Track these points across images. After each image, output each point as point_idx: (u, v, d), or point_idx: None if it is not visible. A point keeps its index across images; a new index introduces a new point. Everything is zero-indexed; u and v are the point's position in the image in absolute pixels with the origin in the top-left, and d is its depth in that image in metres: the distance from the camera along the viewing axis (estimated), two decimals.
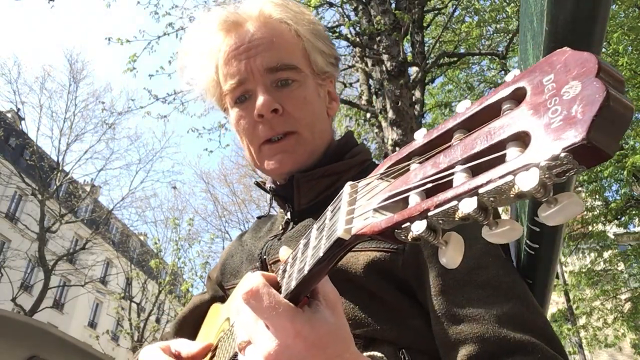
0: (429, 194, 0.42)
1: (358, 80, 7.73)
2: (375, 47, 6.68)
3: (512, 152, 0.37)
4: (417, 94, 7.00)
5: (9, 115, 27.68)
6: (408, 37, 7.20)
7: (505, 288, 0.83)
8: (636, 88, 9.85)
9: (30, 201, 24.76)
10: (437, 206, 0.40)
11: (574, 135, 0.32)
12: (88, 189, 24.84)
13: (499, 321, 0.78)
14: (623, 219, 11.40)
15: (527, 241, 0.94)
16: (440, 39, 9.19)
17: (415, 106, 6.76)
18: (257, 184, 1.21)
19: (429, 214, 0.40)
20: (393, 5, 6.98)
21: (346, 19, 7.54)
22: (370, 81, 7.25)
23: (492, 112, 0.41)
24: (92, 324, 29.79)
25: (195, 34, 1.15)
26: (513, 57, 9.41)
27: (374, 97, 7.10)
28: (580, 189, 11.15)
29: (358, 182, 0.54)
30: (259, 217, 1.37)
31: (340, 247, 0.51)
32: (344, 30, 7.32)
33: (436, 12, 9.17)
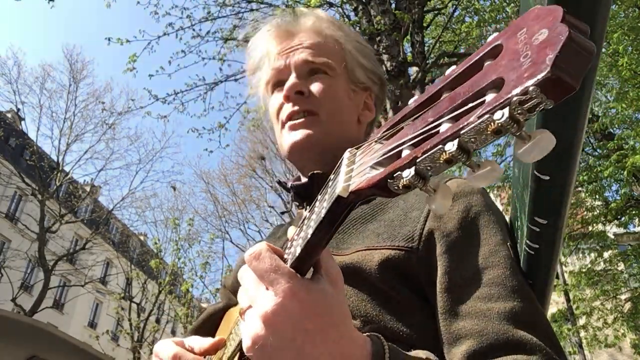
0: (418, 145, 0.46)
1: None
2: (375, 47, 6.68)
3: (489, 96, 0.41)
4: (417, 94, 6.99)
5: (9, 115, 27.68)
6: (408, 37, 7.20)
7: (510, 287, 0.84)
8: (636, 88, 9.85)
9: (30, 201, 24.77)
10: (424, 152, 0.44)
11: (541, 71, 0.36)
12: (88, 189, 24.86)
13: (501, 318, 0.79)
14: (623, 219, 11.39)
15: (527, 241, 0.94)
16: (440, 39, 9.19)
17: None
18: (279, 183, 1.26)
19: (417, 160, 0.44)
20: (393, 5, 6.99)
21: (346, 19, 7.54)
22: None
23: (474, 70, 0.45)
24: (92, 324, 29.79)
25: (257, 43, 1.26)
26: None
27: None
28: (580, 188, 11.15)
29: (357, 148, 0.58)
30: (278, 226, 1.41)
31: (340, 205, 0.53)
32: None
33: (436, 12, 9.17)
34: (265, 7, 7.97)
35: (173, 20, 8.05)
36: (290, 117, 1.12)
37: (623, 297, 13.70)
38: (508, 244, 0.92)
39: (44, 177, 20.77)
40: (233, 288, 1.28)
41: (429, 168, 0.44)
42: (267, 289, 0.59)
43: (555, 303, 14.43)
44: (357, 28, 6.95)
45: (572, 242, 11.97)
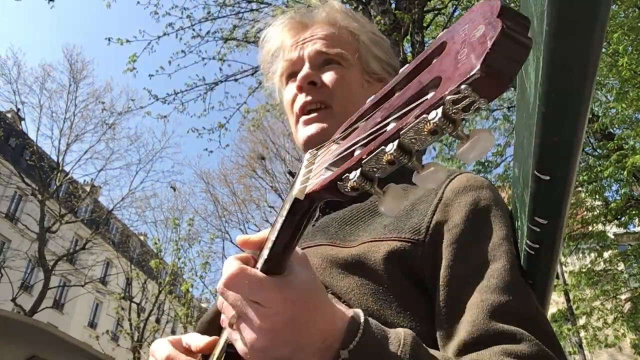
0: (366, 146, 0.45)
1: None
2: None
3: (429, 95, 0.40)
4: None
5: (9, 115, 27.68)
6: (408, 37, 7.20)
7: (508, 281, 0.84)
8: (636, 88, 9.84)
9: (30, 201, 24.77)
10: (368, 154, 0.43)
11: (471, 68, 0.36)
12: (88, 189, 24.86)
13: (494, 311, 0.79)
14: (623, 219, 11.39)
15: (527, 241, 0.94)
16: None
17: None
18: (291, 173, 1.30)
19: (363, 162, 0.44)
20: (393, 5, 6.99)
21: None
22: None
23: (424, 68, 0.45)
24: (92, 324, 29.79)
25: (270, 35, 1.27)
26: None
27: None
28: (580, 189, 11.15)
29: (317, 150, 0.58)
30: None
31: (298, 208, 0.54)
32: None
33: (436, 12, 9.17)
34: (266, 7, 7.97)
35: (173, 20, 8.07)
36: (304, 108, 1.13)
37: (623, 297, 13.70)
38: (511, 240, 0.92)
39: (44, 177, 20.77)
40: None
41: (375, 170, 0.44)
42: (254, 302, 0.60)
43: (555, 303, 14.43)
44: None
45: (572, 242, 11.97)
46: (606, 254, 12.83)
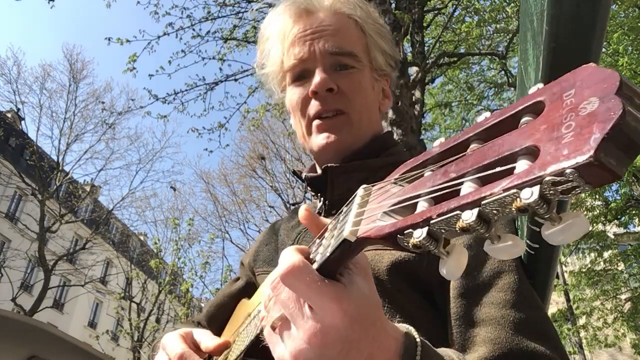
0: (437, 201, 0.41)
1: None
2: None
3: (521, 165, 0.36)
4: (417, 94, 7.00)
5: (9, 115, 27.67)
6: (408, 37, 7.20)
7: (523, 296, 0.83)
8: None
9: (30, 201, 24.76)
10: (439, 214, 0.39)
11: (582, 153, 0.31)
12: (88, 189, 24.85)
13: (516, 327, 0.79)
14: (623, 219, 11.41)
15: (527, 241, 0.94)
16: (440, 39, 9.19)
17: (415, 106, 6.76)
18: (294, 173, 1.24)
19: (431, 221, 0.40)
20: (393, 5, 6.98)
21: None
22: None
23: (510, 125, 0.40)
24: (92, 324, 29.79)
25: (270, 20, 1.20)
26: (513, 57, 9.41)
27: None
28: None
29: (372, 186, 0.54)
30: (293, 207, 1.38)
31: (346, 248, 0.50)
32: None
33: (436, 12, 9.17)
34: (265, 7, 7.96)
35: (173, 20, 8.08)
36: (319, 115, 1.09)
37: (623, 297, 13.70)
38: None
39: (44, 177, 20.77)
40: (250, 267, 1.27)
41: (442, 231, 0.40)
42: (309, 307, 0.54)
43: (555, 303, 14.42)
44: None
45: (572, 242, 11.98)
46: (606, 254, 12.84)
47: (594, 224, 11.78)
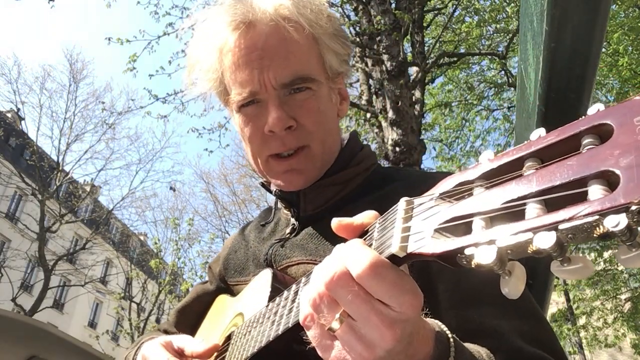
0: (496, 221, 0.40)
1: (358, 80, 7.74)
2: (375, 47, 6.68)
3: (595, 190, 0.35)
4: (417, 94, 7.00)
5: (9, 115, 27.68)
6: (408, 37, 7.20)
7: (519, 305, 0.82)
8: (636, 88, 9.84)
9: (30, 201, 24.77)
10: (511, 235, 0.38)
11: None
12: (88, 189, 24.83)
13: (513, 335, 0.78)
14: None
15: None
16: (440, 39, 9.19)
17: (415, 106, 6.76)
18: (263, 185, 1.19)
19: (497, 243, 0.39)
20: (393, 5, 6.98)
21: (346, 19, 7.54)
22: (370, 81, 7.25)
23: (570, 145, 0.39)
24: (92, 324, 29.79)
25: (204, 27, 1.06)
26: (513, 57, 9.41)
27: (374, 97, 7.10)
28: None
29: (414, 199, 0.52)
30: (262, 225, 1.29)
31: (395, 261, 0.50)
32: (344, 30, 7.32)
33: (436, 12, 9.17)
34: None
35: (173, 20, 8.06)
36: (279, 152, 1.01)
37: (623, 297, 13.70)
38: None
39: (44, 177, 20.77)
40: (221, 275, 1.25)
41: (509, 252, 0.39)
42: (383, 304, 0.51)
43: (555, 303, 14.41)
44: (357, 28, 6.96)
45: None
46: (606, 254, 12.83)
47: None
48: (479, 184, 0.44)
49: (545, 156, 0.40)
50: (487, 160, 0.45)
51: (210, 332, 1.15)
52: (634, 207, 0.32)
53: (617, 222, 0.33)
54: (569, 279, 0.37)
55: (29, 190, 21.38)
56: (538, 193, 0.38)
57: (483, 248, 0.40)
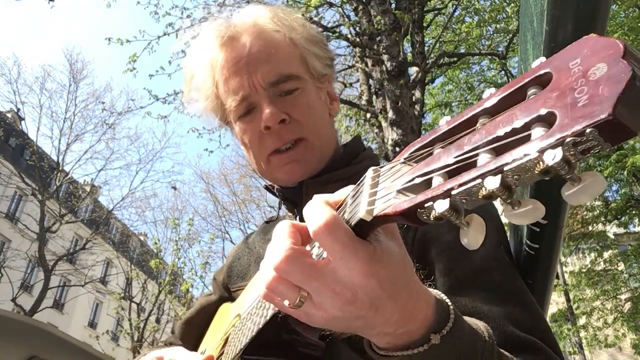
0: (452, 174, 0.43)
1: (358, 80, 7.74)
2: (375, 47, 6.68)
3: (537, 131, 0.37)
4: (417, 94, 7.00)
5: (9, 115, 27.69)
6: (408, 37, 7.20)
7: (509, 292, 0.84)
8: None
9: (30, 201, 24.77)
10: (460, 185, 0.41)
11: (600, 112, 0.33)
12: (88, 189, 24.85)
13: (504, 320, 0.79)
14: (623, 219, 11.40)
15: (527, 241, 0.94)
16: (440, 39, 9.19)
17: (415, 106, 6.76)
18: (267, 188, 1.21)
19: (453, 192, 0.41)
20: (393, 5, 6.99)
21: (346, 19, 7.54)
22: (370, 81, 7.26)
23: (517, 98, 0.42)
24: (92, 324, 29.80)
25: (194, 52, 1.16)
26: (513, 57, 9.40)
27: (374, 97, 7.10)
28: None
29: (380, 167, 0.54)
30: (266, 222, 1.36)
31: (364, 227, 0.51)
32: (344, 30, 7.33)
33: (436, 12, 9.17)
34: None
35: (173, 20, 8.07)
36: (278, 148, 1.05)
37: (623, 297, 13.70)
38: (503, 246, 0.92)
39: (44, 177, 20.78)
40: (225, 283, 1.27)
41: (464, 201, 0.41)
42: (338, 268, 0.52)
43: (555, 303, 14.42)
44: (357, 28, 6.96)
45: (572, 242, 11.98)
46: (606, 254, 12.84)
47: (594, 224, 11.78)
48: (438, 145, 0.47)
49: (495, 111, 0.43)
50: (445, 124, 0.48)
51: (212, 340, 1.15)
52: (568, 139, 0.35)
53: (553, 156, 0.35)
54: (522, 222, 0.38)
55: (29, 190, 21.40)
56: (487, 143, 0.41)
57: (439, 200, 0.42)
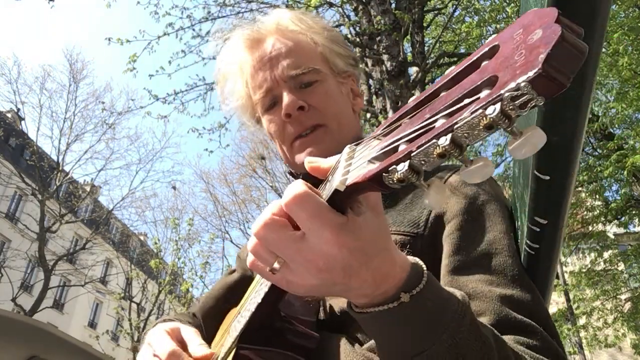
0: (413, 140, 0.46)
1: (358, 80, 7.73)
2: (375, 47, 6.68)
3: (483, 93, 0.41)
4: (417, 94, 6.99)
5: (9, 115, 27.68)
6: (408, 37, 7.20)
7: (511, 275, 0.85)
8: (636, 88, 9.84)
9: (30, 201, 24.76)
10: (418, 147, 0.44)
11: (533, 67, 0.37)
12: (88, 189, 24.84)
13: (502, 301, 0.80)
14: (623, 219, 11.39)
15: (527, 241, 0.94)
16: (440, 39, 9.19)
17: None
18: (291, 174, 1.25)
19: (412, 154, 0.45)
20: (393, 5, 6.98)
21: (346, 19, 7.54)
22: (370, 81, 7.25)
23: (472, 70, 0.46)
24: (92, 324, 29.79)
25: (224, 58, 1.25)
26: None
27: (374, 97, 7.10)
28: (580, 188, 11.14)
29: (357, 144, 0.59)
30: None
31: (339, 198, 0.54)
32: (344, 30, 7.32)
33: (436, 12, 9.16)
34: (265, 7, 7.97)
35: (173, 20, 8.06)
36: (298, 134, 1.12)
37: (623, 297, 13.70)
38: (511, 234, 0.94)
39: (44, 177, 20.77)
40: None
41: (423, 162, 0.45)
42: (309, 237, 0.56)
43: (555, 303, 14.43)
44: (357, 28, 6.96)
45: (572, 242, 11.97)
46: (606, 254, 12.83)
47: (594, 224, 11.77)
48: (405, 118, 0.51)
49: (453, 83, 0.48)
50: (413, 100, 0.53)
51: (217, 343, 1.15)
52: (507, 94, 0.38)
53: (493, 110, 0.39)
54: (474, 180, 0.44)
55: (29, 190, 21.39)
56: (444, 109, 0.45)
57: (401, 163, 0.46)
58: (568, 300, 13.47)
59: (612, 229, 13.32)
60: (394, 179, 0.47)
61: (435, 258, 0.90)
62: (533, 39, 0.40)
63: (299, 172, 1.17)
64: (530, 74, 0.37)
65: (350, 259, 0.56)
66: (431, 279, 0.63)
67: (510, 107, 0.39)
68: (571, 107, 0.69)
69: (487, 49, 0.45)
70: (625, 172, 9.11)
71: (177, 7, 7.99)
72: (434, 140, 0.43)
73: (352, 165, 0.55)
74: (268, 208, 0.60)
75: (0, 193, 25.56)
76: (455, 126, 0.42)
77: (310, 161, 0.64)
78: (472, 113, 0.41)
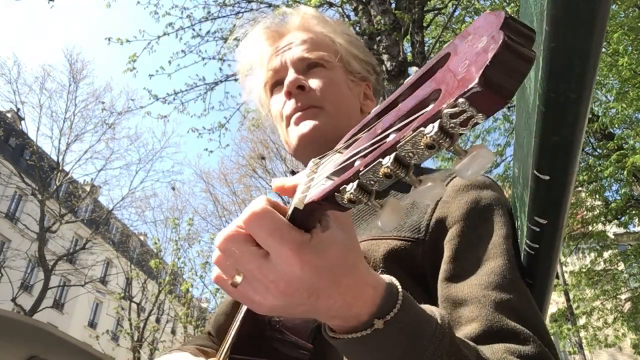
0: (365, 156, 0.44)
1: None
2: (375, 47, 6.68)
3: (428, 108, 0.39)
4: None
5: (9, 115, 27.67)
6: (408, 37, 7.20)
7: (508, 279, 0.85)
8: (636, 88, 9.83)
9: (30, 201, 24.76)
10: (365, 165, 0.42)
11: (470, 82, 0.34)
12: (88, 189, 24.83)
13: (497, 307, 0.79)
14: (623, 219, 11.38)
15: (527, 241, 0.94)
16: (440, 39, 9.19)
17: None
18: (293, 173, 1.24)
19: (360, 174, 0.42)
20: (393, 5, 6.98)
21: (346, 19, 7.54)
22: None
23: (427, 78, 0.43)
24: (92, 324, 29.78)
25: (246, 50, 1.26)
26: None
27: None
28: (580, 188, 11.13)
29: (320, 158, 0.56)
30: None
31: (300, 215, 0.52)
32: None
33: (436, 12, 9.16)
34: (266, 7, 7.97)
35: (173, 20, 8.06)
36: (295, 112, 1.12)
37: (623, 297, 13.69)
38: (511, 240, 0.93)
39: (44, 177, 20.77)
40: None
41: (372, 182, 0.42)
42: (272, 257, 0.53)
43: (555, 303, 14.41)
44: (357, 28, 6.95)
45: (572, 242, 11.96)
46: (606, 254, 12.82)
47: (594, 224, 11.76)
48: (364, 131, 0.49)
49: (409, 93, 0.44)
50: (373, 110, 0.49)
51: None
52: (445, 111, 0.35)
53: (431, 129, 0.36)
54: (424, 200, 0.42)
55: (29, 190, 21.39)
56: (396, 122, 0.42)
57: (350, 183, 0.43)
58: (568, 300, 13.46)
59: (612, 229, 13.31)
60: (345, 198, 0.44)
61: (436, 263, 0.90)
62: (478, 48, 0.37)
63: (298, 172, 1.16)
64: (467, 89, 0.34)
65: (315, 278, 0.53)
66: (407, 300, 0.60)
67: (451, 125, 0.36)
68: (571, 107, 0.69)
69: (441, 56, 0.43)
70: (625, 172, 9.11)
71: (177, 7, 8.00)
72: (379, 160, 0.40)
73: (314, 180, 0.52)
74: (234, 221, 0.57)
75: (0, 193, 25.55)
76: (398, 145, 0.39)
77: (275, 182, 0.61)
78: (413, 131, 0.38)
